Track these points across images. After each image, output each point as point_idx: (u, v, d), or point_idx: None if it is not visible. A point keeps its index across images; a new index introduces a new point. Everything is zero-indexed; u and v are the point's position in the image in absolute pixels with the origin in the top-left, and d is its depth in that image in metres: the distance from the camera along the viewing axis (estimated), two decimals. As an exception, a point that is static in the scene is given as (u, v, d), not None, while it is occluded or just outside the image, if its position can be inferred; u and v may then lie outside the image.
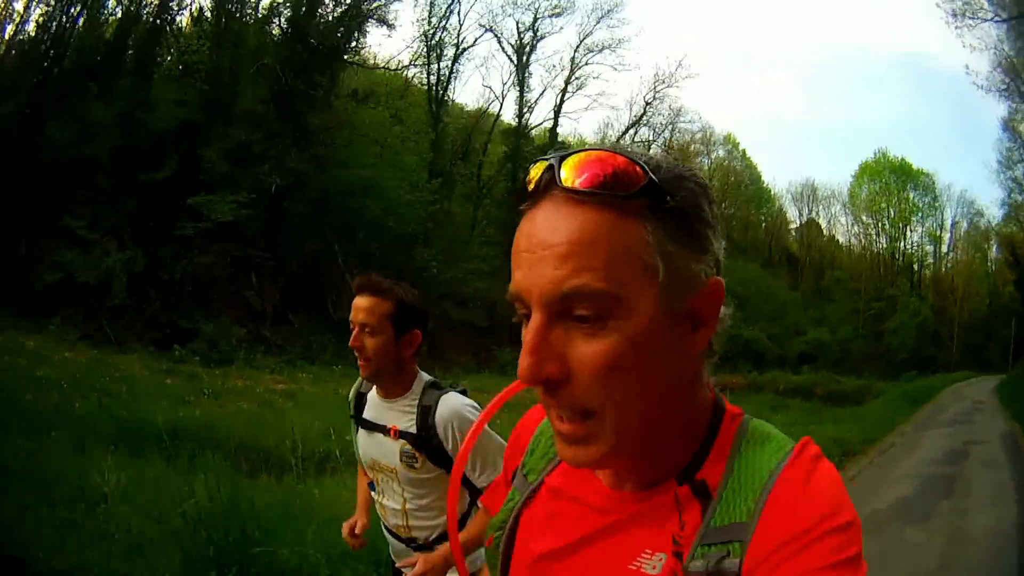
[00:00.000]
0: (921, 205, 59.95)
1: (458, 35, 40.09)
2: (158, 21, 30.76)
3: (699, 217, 0.82)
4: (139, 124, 27.61)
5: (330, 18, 31.57)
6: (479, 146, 40.36)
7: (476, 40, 40.94)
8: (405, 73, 38.84)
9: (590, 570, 0.91)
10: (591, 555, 0.91)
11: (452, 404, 2.41)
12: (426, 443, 2.42)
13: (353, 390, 2.71)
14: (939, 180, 59.63)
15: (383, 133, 31.88)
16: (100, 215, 25.81)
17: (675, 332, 0.81)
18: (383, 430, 2.51)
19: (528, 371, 0.79)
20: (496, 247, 33.17)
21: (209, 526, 4.23)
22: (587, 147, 0.83)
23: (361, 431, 2.62)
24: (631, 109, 47.10)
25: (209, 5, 31.61)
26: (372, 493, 2.68)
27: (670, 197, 0.79)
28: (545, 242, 0.79)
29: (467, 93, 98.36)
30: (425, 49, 38.48)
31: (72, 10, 29.54)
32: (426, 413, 2.43)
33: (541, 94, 46.59)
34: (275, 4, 31.30)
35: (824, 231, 64.38)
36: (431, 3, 37.79)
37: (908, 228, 60.20)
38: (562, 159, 0.81)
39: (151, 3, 31.88)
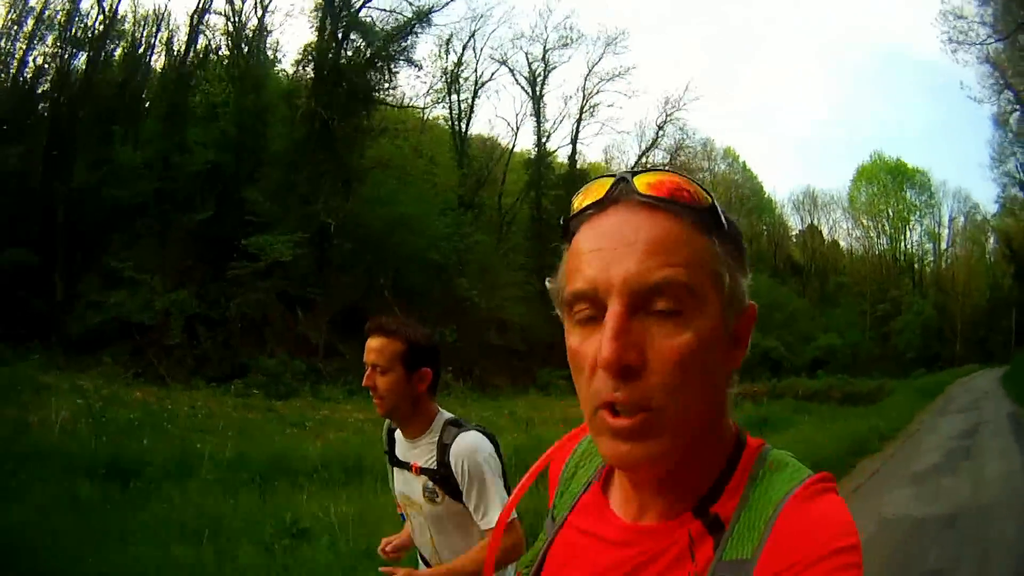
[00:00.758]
0: (919, 204, 61.56)
1: (475, 70, 41.69)
2: (187, 64, 32.16)
3: (743, 247, 0.92)
4: (175, 167, 29.12)
5: (362, 60, 33.04)
6: (498, 175, 41.79)
7: (493, 74, 42.53)
8: (424, 109, 40.14)
9: None
10: None
11: (467, 442, 2.53)
12: (445, 480, 2.54)
13: (385, 427, 2.84)
14: (934, 177, 61.33)
15: (410, 168, 33.48)
16: (143, 256, 26.92)
17: (726, 345, 0.89)
18: (408, 467, 2.64)
19: (614, 354, 0.82)
20: (524, 272, 34.75)
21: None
22: (656, 167, 0.93)
23: (393, 468, 2.76)
24: (642, 133, 48.49)
25: (227, 49, 33.10)
26: (406, 524, 2.81)
27: (726, 223, 0.88)
28: (626, 239, 0.85)
29: (477, 124, 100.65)
30: (446, 85, 40.29)
31: (70, 50, 30.63)
32: (444, 451, 2.54)
33: (559, 122, 48.27)
34: (308, 47, 32.75)
35: (825, 236, 65.89)
36: (448, 41, 39.69)
37: (907, 228, 61.90)
38: (635, 174, 0.89)
39: (158, 46, 33.49)
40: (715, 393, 0.89)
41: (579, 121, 44.81)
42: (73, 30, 30.75)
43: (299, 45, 40.16)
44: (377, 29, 33.70)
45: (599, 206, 0.89)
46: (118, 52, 32.90)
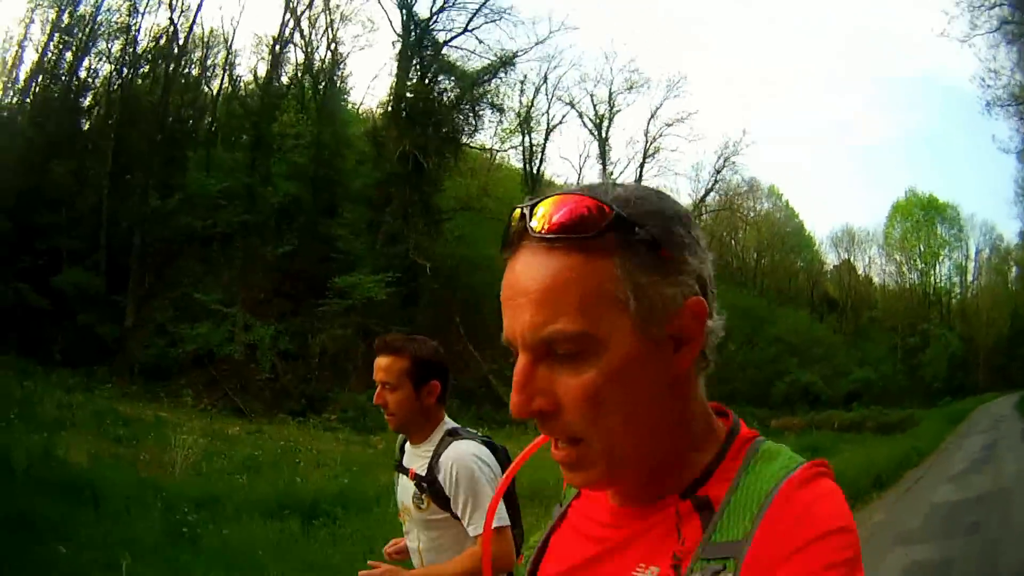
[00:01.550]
0: (948, 238, 63.69)
1: (547, 112, 43.51)
2: (270, 95, 33.58)
3: (671, 242, 0.91)
4: (259, 198, 30.61)
5: (448, 101, 34.62)
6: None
7: (564, 117, 44.88)
8: (505, 151, 42.56)
9: None
10: (594, 573, 1.01)
11: (458, 450, 2.68)
12: (431, 485, 2.68)
13: (399, 439, 2.99)
14: (963, 211, 63.45)
15: (483, 206, 34.44)
16: (223, 287, 28.29)
17: (657, 355, 0.91)
18: (406, 472, 2.82)
19: (517, 407, 0.90)
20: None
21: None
22: (555, 191, 0.93)
23: (399, 475, 2.92)
24: (696, 176, 51.63)
25: (300, 80, 35.06)
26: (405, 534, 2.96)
27: (638, 228, 0.88)
28: (523, 290, 0.89)
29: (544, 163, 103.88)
30: (519, 126, 41.97)
31: (131, 70, 32.22)
32: (436, 457, 2.71)
33: (626, 166, 48.82)
34: (400, 86, 33.99)
35: (860, 272, 68.37)
36: (522, 83, 40.85)
37: (937, 262, 64.03)
38: (533, 206, 0.91)
39: (217, 69, 35.58)
40: (652, 407, 0.92)
41: (643, 165, 47.11)
42: (132, 48, 32.33)
43: (371, 78, 42.41)
44: (467, 72, 35.13)
45: (510, 249, 0.94)
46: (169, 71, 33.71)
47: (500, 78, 37.24)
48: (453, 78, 35.10)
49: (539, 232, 0.88)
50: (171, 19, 32.27)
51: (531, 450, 1.18)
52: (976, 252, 64.43)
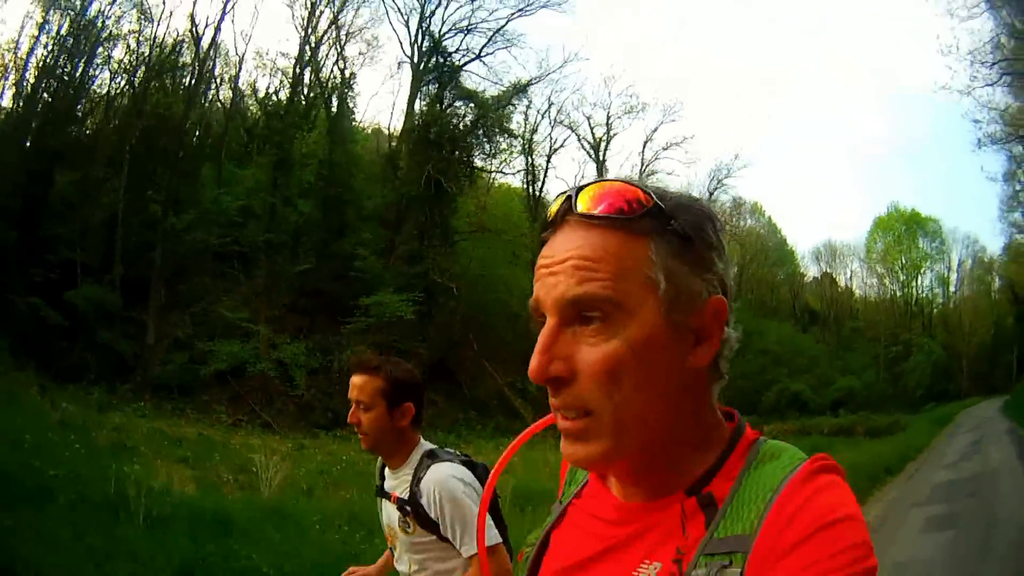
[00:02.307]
0: (931, 251, 66.77)
1: (550, 135, 45.21)
2: (291, 115, 34.46)
3: (701, 239, 0.98)
4: (282, 217, 31.70)
5: (463, 126, 36.02)
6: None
7: (565, 140, 46.37)
8: (514, 173, 44.32)
9: None
10: (599, 569, 1.04)
11: (438, 472, 2.73)
12: (415, 508, 2.73)
13: (378, 462, 3.07)
14: (945, 224, 66.55)
15: (491, 226, 36.53)
16: (242, 304, 29.13)
17: (677, 344, 0.95)
18: (388, 497, 2.88)
19: (537, 369, 0.93)
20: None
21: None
22: (601, 179, 1.00)
23: (381, 500, 2.99)
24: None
25: (309, 101, 35.97)
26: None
27: (673, 220, 0.95)
28: (560, 258, 0.95)
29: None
30: (523, 149, 43.34)
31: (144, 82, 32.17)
32: (417, 482, 2.75)
33: None
34: (427, 113, 35.55)
35: (840, 284, 71.87)
36: (527, 107, 42.66)
37: (919, 274, 66.94)
38: (579, 190, 0.98)
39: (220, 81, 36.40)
40: (664, 395, 0.96)
41: None
42: (148, 58, 32.78)
43: (371, 95, 43.56)
44: (483, 98, 36.88)
45: (552, 226, 1.01)
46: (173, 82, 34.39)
47: (513, 105, 38.82)
48: (471, 104, 36.80)
49: (583, 212, 0.96)
50: (192, 31, 33.47)
51: (504, 461, 1.29)
52: (959, 264, 67.59)
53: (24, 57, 30.00)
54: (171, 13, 35.14)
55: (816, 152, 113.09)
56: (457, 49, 38.07)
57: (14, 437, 11.17)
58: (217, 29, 34.47)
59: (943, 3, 33.43)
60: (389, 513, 2.93)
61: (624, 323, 0.93)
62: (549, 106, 44.55)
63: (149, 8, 32.70)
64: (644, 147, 50.62)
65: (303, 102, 36.34)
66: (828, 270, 72.86)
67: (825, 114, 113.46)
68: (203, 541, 7.18)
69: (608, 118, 48.01)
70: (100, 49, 31.97)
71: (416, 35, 38.35)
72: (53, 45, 30.38)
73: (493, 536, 2.64)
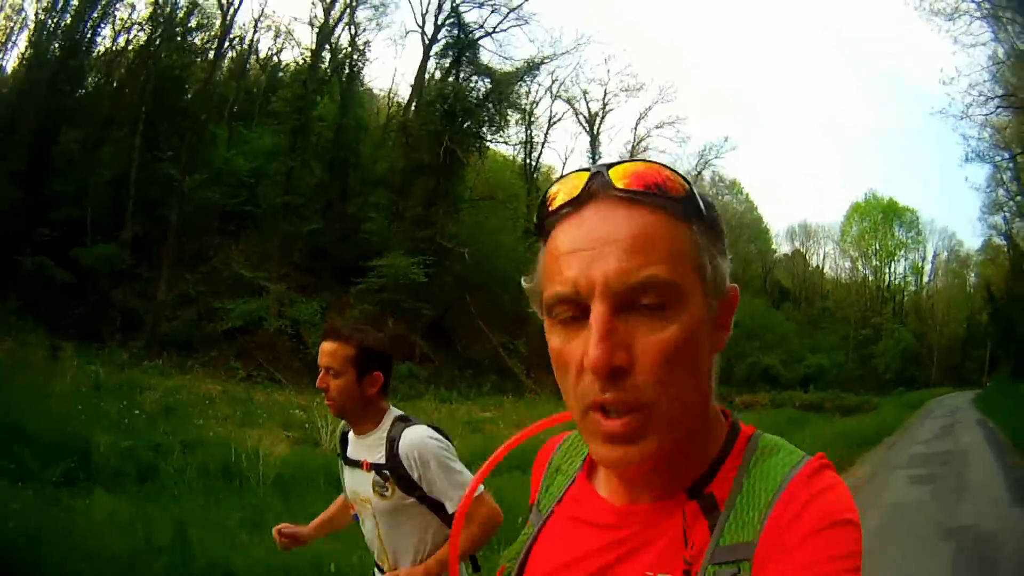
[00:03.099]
0: (906, 240, 70.40)
1: (550, 109, 48.41)
2: (312, 81, 35.82)
3: (722, 230, 0.99)
4: (299, 180, 33.34)
5: (477, 99, 37.86)
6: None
7: (563, 114, 49.36)
8: (514, 145, 46.25)
9: None
10: None
11: (415, 434, 2.83)
12: (394, 472, 2.81)
13: (339, 430, 3.18)
14: (923, 216, 70.21)
15: (493, 195, 39.16)
16: (252, 263, 30.27)
17: (710, 331, 0.96)
18: (359, 464, 2.93)
19: (602, 358, 0.88)
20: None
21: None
22: (633, 159, 0.98)
23: (345, 468, 3.06)
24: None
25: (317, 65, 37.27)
26: (360, 525, 3.08)
27: (705, 209, 0.95)
28: (606, 238, 0.90)
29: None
30: (523, 121, 45.91)
31: (157, 42, 32.98)
32: (392, 444, 2.83)
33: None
34: (441, 83, 37.76)
35: (811, 264, 75.31)
36: (530, 84, 44.95)
37: (893, 261, 70.52)
38: (610, 167, 0.94)
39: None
40: (703, 381, 0.97)
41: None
42: (165, 16, 33.24)
43: (375, 59, 44.74)
44: (497, 72, 39.14)
45: (575, 203, 0.94)
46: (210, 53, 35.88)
47: (524, 81, 41.37)
48: (486, 78, 38.92)
49: (623, 188, 0.92)
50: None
51: (496, 459, 1.30)
52: (934, 255, 71.36)
53: (33, 17, 30.74)
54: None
55: (798, 135, 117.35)
56: (471, 23, 39.87)
57: (62, 407, 11.52)
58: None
59: (946, 28, 34.60)
60: (358, 480, 2.97)
61: (679, 309, 0.91)
62: (552, 82, 47.42)
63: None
64: (637, 125, 53.92)
65: (324, 68, 37.83)
66: (802, 249, 76.24)
67: (810, 99, 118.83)
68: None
69: (605, 94, 51.36)
70: (106, 6, 32.37)
71: (426, 4, 40.27)
72: (60, 2, 30.74)
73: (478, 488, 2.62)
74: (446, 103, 36.42)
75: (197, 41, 36.56)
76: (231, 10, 36.05)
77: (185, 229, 30.39)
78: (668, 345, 0.89)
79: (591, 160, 46.90)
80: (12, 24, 30.99)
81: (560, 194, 0.97)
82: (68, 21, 31.09)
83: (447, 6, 39.22)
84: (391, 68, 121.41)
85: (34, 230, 26.30)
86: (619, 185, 0.92)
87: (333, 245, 33.49)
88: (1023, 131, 36.23)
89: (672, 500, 0.99)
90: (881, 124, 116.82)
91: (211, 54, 36.41)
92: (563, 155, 52.66)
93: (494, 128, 40.28)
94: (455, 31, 38.87)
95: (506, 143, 44.08)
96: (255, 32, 40.09)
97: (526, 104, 45.58)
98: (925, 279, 71.96)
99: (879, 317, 65.29)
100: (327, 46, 38.43)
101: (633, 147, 52.84)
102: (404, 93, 43.63)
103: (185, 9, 34.64)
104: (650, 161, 0.96)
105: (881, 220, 70.41)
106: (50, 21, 30.66)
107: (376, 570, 3.08)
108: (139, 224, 29.47)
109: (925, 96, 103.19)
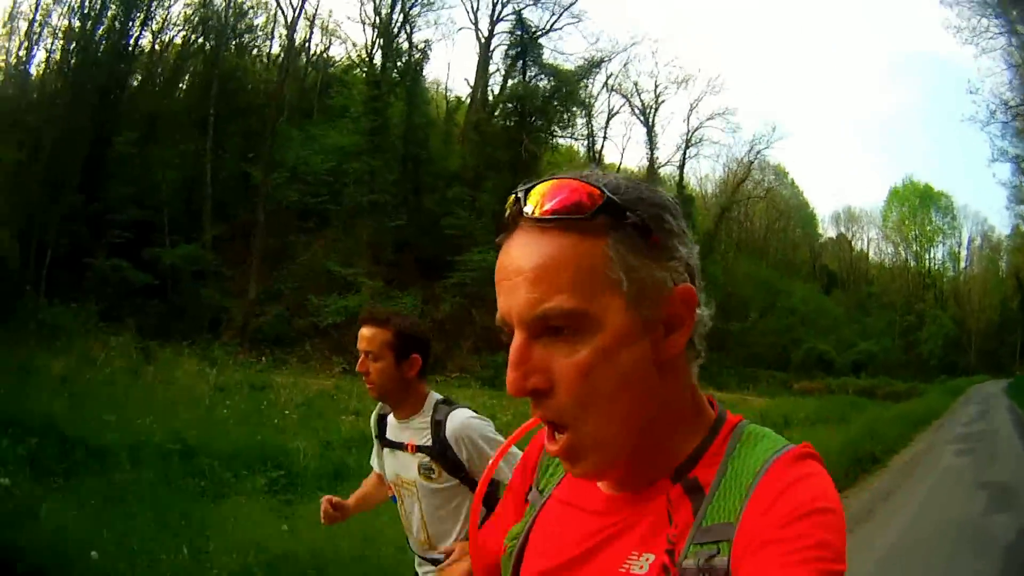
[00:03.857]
0: (942, 226, 73.49)
1: (608, 102, 50.39)
2: (385, 83, 37.96)
3: (661, 228, 1.00)
4: (381, 178, 35.30)
5: (542, 99, 40.67)
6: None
7: (620, 107, 51.22)
8: (578, 140, 48.92)
9: None
10: (591, 565, 1.07)
11: (461, 418, 3.02)
12: (441, 455, 3.00)
13: (375, 413, 3.37)
14: (957, 201, 73.13)
15: None
16: (348, 259, 32.23)
17: (648, 338, 0.99)
18: (402, 447, 3.12)
19: (514, 384, 0.97)
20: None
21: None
22: (549, 176, 1.02)
23: (385, 450, 3.26)
24: (726, 168, 60.24)
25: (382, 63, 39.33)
26: (397, 506, 3.27)
27: (629, 213, 0.97)
28: (518, 269, 0.97)
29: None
30: (585, 114, 48.21)
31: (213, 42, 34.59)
32: (439, 427, 3.01)
33: (673, 154, 56.32)
34: (514, 86, 40.72)
35: (855, 248, 78.38)
36: (591, 81, 47.41)
37: (932, 247, 73.61)
38: (528, 191, 1.00)
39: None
40: (642, 389, 0.99)
41: (684, 151, 54.63)
42: (230, 19, 35.33)
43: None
44: (562, 70, 42.14)
45: (507, 230, 1.02)
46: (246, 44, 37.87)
47: (587, 78, 44.36)
48: (550, 76, 42.26)
49: (533, 215, 0.97)
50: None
51: (523, 431, 1.33)
52: (968, 241, 74.38)
53: (83, 21, 31.12)
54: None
55: (839, 119, 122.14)
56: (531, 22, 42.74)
57: (217, 414, 12.05)
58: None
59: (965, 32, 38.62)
60: (402, 462, 3.16)
61: (593, 330, 0.96)
62: (608, 77, 49.99)
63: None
64: (688, 117, 57.95)
65: (395, 69, 40.02)
66: (847, 234, 79.39)
67: (850, 84, 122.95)
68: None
69: (656, 87, 53.37)
70: (148, 8, 34.21)
71: (478, 3, 43.38)
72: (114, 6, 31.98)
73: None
74: (519, 102, 39.69)
75: (256, 42, 39.42)
76: (296, 11, 38.11)
77: (272, 228, 32.22)
78: (581, 368, 0.96)
79: (649, 152, 53.16)
80: (34, 27, 31.10)
81: (506, 216, 1.04)
82: (107, 23, 32.00)
83: (499, 4, 42.49)
84: (443, 63, 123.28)
85: (102, 233, 27.03)
86: (528, 212, 0.98)
87: (415, 240, 35.65)
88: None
89: (658, 487, 1.06)
90: (918, 104, 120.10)
91: (266, 53, 39.34)
92: (621, 145, 55.30)
93: (563, 125, 43.19)
94: (518, 31, 42.16)
95: (573, 138, 46.84)
96: (311, 31, 41.95)
97: (588, 99, 48.18)
98: (962, 265, 74.64)
99: (922, 303, 68.09)
100: (378, 43, 40.91)
101: (687, 138, 55.04)
102: (457, 88, 47.76)
103: (236, 10, 37.38)
104: (563, 177, 1.01)
105: (919, 205, 73.42)
106: (87, 24, 31.16)
107: (415, 554, 3.29)
108: (217, 223, 31.22)
109: (960, 76, 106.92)
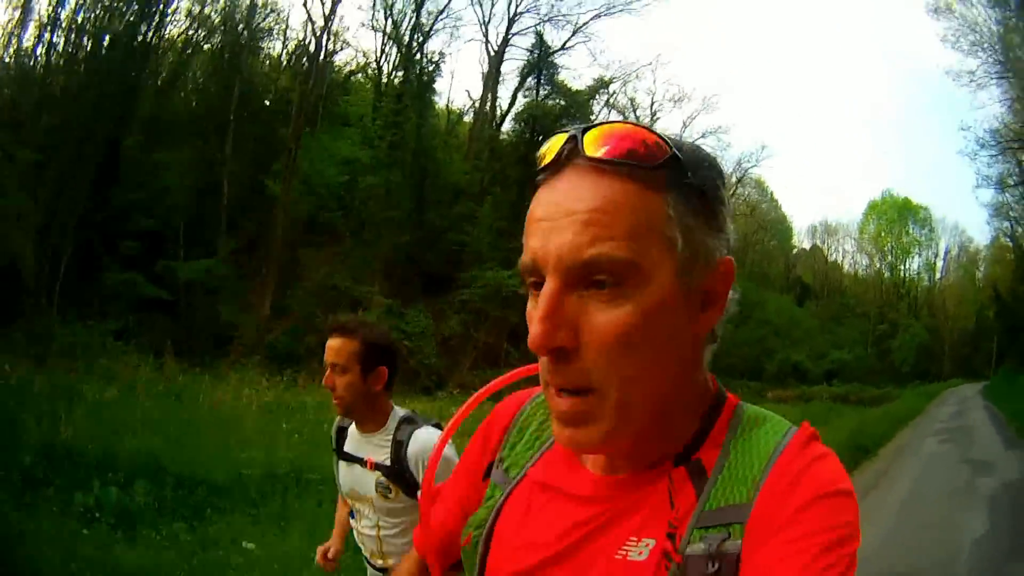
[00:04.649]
0: (920, 238, 76.27)
1: (608, 118, 53.38)
2: (404, 96, 37.72)
3: (716, 196, 0.98)
4: (396, 193, 34.95)
5: (552, 118, 40.01)
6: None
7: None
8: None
9: (575, 573, 1.03)
10: (583, 556, 1.02)
11: (423, 439, 3.00)
12: (399, 475, 3.00)
13: (335, 425, 3.37)
14: (935, 213, 75.95)
15: None
16: (359, 275, 31.85)
17: (687, 309, 0.95)
18: (361, 462, 3.12)
19: (540, 338, 0.90)
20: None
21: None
22: (610, 120, 0.96)
23: (341, 463, 3.25)
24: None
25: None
26: (351, 521, 3.31)
27: (691, 173, 0.94)
28: (567, 209, 0.92)
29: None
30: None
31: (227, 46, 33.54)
32: (399, 447, 3.01)
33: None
34: (528, 106, 41.69)
35: (829, 260, 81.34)
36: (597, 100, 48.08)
37: (908, 258, 76.37)
38: (585, 131, 0.95)
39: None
40: (672, 362, 0.97)
41: None
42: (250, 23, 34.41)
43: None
44: (572, 90, 43.38)
45: (551, 169, 0.97)
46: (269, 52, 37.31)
47: (596, 98, 45.96)
48: (560, 95, 43.50)
49: (592, 155, 0.93)
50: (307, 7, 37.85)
51: (467, 411, 1.31)
52: (945, 252, 77.58)
53: (88, 19, 29.29)
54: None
55: (821, 134, 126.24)
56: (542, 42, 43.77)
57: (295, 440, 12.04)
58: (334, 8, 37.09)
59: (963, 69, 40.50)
60: (359, 477, 3.16)
61: (639, 287, 0.92)
62: (610, 95, 50.86)
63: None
64: (681, 135, 58.13)
65: (414, 83, 40.27)
66: (821, 245, 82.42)
67: (835, 95, 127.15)
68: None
69: (652, 103, 54.87)
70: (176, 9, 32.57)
71: (487, 14, 43.89)
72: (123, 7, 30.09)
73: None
74: (533, 120, 40.88)
75: (272, 48, 38.93)
76: (328, 18, 37.15)
77: (283, 242, 31.73)
78: (620, 325, 0.91)
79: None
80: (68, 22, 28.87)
81: (545, 156, 1.00)
82: (125, 20, 30.17)
83: (514, 21, 43.36)
84: (446, 74, 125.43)
85: (112, 243, 26.14)
86: (588, 152, 0.93)
87: (419, 255, 35.62)
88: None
89: (656, 470, 1.02)
90: (899, 117, 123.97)
91: (276, 57, 39.04)
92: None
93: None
94: (536, 51, 43.24)
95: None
96: (326, 39, 39.55)
97: (594, 117, 46.49)
98: (938, 275, 77.75)
99: (895, 313, 71.08)
100: (387, 52, 41.26)
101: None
102: (457, 99, 48.44)
103: (257, 15, 36.39)
104: (631, 123, 0.96)
105: (897, 219, 76.16)
106: (106, 18, 29.64)
107: (368, 566, 3.31)
108: (230, 236, 30.61)
109: (942, 88, 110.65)
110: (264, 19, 37.19)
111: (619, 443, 0.98)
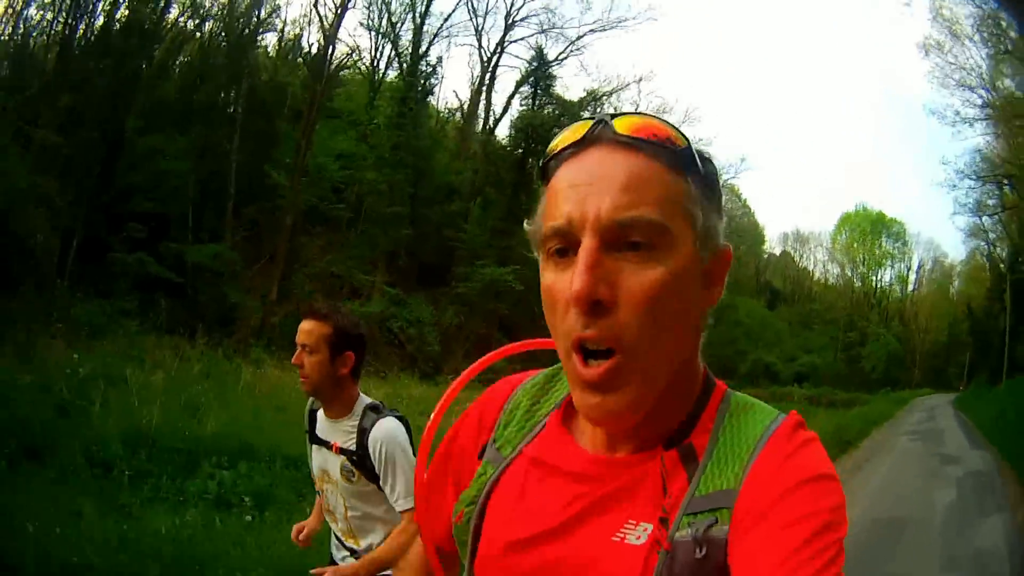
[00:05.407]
0: (893, 251, 77.47)
1: None
2: (416, 100, 39.15)
3: (718, 189, 1.10)
4: (399, 190, 36.05)
5: (548, 127, 40.57)
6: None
7: None
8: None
9: (572, 550, 1.09)
10: (580, 533, 1.09)
11: (385, 428, 3.23)
12: (362, 461, 3.23)
13: (307, 409, 3.57)
14: (909, 228, 76.76)
15: None
16: (360, 265, 33.69)
17: (699, 282, 1.07)
18: (328, 446, 3.35)
19: (586, 288, 0.97)
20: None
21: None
22: (634, 112, 1.08)
23: (313, 446, 3.47)
24: None
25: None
26: (324, 501, 3.49)
27: (703, 165, 1.06)
28: (604, 175, 1.02)
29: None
30: None
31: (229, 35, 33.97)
32: (363, 434, 3.22)
33: None
34: (525, 115, 42.95)
35: (800, 267, 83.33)
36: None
37: (880, 270, 77.63)
38: (613, 116, 1.06)
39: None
40: (688, 331, 1.07)
41: None
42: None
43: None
44: (572, 103, 44.43)
45: (578, 146, 1.07)
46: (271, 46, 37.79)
47: (588, 109, 45.88)
48: (556, 105, 44.62)
49: (624, 133, 1.05)
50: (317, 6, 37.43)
51: (449, 398, 1.40)
52: (919, 265, 78.84)
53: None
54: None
55: (795, 145, 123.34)
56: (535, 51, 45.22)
57: None
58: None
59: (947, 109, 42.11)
60: (327, 460, 3.41)
61: (668, 252, 1.02)
62: (600, 106, 50.28)
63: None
64: None
65: (419, 85, 41.37)
66: (791, 252, 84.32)
67: (813, 112, 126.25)
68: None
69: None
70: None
71: (483, 24, 45.44)
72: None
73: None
74: (529, 128, 42.10)
75: (281, 40, 39.31)
76: (339, 14, 37.72)
77: (278, 228, 32.39)
78: (653, 285, 1.00)
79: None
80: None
81: (564, 139, 1.11)
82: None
83: (510, 28, 44.68)
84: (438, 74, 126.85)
85: (119, 224, 26.46)
86: (620, 131, 1.05)
87: (417, 248, 37.00)
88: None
89: (652, 451, 1.09)
90: (875, 132, 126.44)
91: (276, 49, 39.44)
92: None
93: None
94: (534, 63, 44.47)
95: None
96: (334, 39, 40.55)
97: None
98: (910, 288, 79.06)
99: (865, 321, 72.49)
100: (385, 51, 42.25)
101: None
102: (450, 99, 49.33)
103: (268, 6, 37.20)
104: (652, 115, 1.08)
105: (870, 231, 77.65)
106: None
107: (337, 542, 3.56)
108: (234, 222, 31.31)
109: (917, 104, 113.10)
110: (271, 14, 38.33)
111: (641, 410, 1.07)
